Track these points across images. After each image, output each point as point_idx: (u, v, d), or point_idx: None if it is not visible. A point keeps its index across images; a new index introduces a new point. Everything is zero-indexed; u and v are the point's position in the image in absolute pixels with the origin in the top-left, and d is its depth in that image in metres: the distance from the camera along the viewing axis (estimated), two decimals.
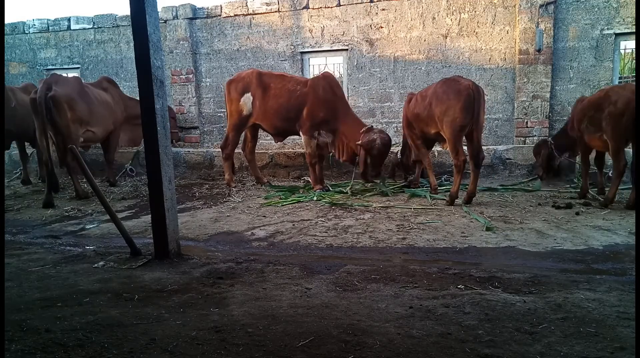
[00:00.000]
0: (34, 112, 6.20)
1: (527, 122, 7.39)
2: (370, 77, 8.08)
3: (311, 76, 8.53)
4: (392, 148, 7.37)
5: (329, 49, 8.23)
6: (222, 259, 3.57)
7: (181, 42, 8.76)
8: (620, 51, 7.19)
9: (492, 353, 2.00)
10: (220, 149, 7.35)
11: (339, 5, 8.00)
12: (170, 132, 3.95)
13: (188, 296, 2.76)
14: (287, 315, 2.45)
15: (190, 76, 8.85)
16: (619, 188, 5.26)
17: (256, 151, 7.46)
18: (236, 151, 7.18)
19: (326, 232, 4.48)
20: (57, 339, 2.19)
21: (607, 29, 7.00)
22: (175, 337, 2.21)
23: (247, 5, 8.44)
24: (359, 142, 6.05)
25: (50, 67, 9.69)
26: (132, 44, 4.19)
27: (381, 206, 5.43)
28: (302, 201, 5.89)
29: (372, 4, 7.85)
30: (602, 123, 4.91)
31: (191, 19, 8.74)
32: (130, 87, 8.91)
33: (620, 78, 7.24)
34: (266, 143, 8.36)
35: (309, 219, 4.99)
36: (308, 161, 6.59)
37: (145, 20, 3.35)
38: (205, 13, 8.74)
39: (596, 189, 5.70)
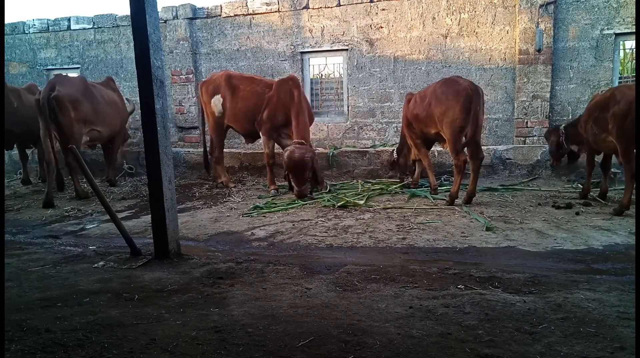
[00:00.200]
0: (38, 112, 6.23)
1: (527, 122, 7.39)
2: (370, 77, 8.08)
3: (311, 76, 8.55)
4: (387, 148, 7.38)
5: (329, 49, 8.23)
6: (222, 259, 3.57)
7: (181, 42, 8.76)
8: (620, 50, 7.18)
9: (492, 353, 2.00)
10: None
11: (339, 5, 8.00)
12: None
13: (188, 296, 2.76)
14: (287, 315, 2.45)
15: (190, 76, 8.84)
16: (615, 188, 5.25)
17: (255, 151, 7.48)
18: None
19: (326, 232, 4.48)
20: (57, 339, 2.19)
21: (607, 29, 7.00)
22: (175, 337, 2.21)
23: (247, 5, 8.43)
24: (284, 154, 5.90)
25: (50, 67, 9.69)
26: (132, 44, 4.19)
27: (381, 207, 5.43)
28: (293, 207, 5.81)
29: (372, 4, 7.85)
30: (608, 124, 4.76)
31: (191, 19, 8.74)
32: (130, 87, 8.91)
33: (620, 78, 7.23)
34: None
35: (309, 219, 4.99)
36: (265, 161, 6.68)
37: (145, 20, 3.35)
38: (205, 13, 8.73)
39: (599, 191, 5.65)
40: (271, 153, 6.58)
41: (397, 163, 6.77)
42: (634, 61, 7.28)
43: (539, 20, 7.08)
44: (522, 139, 7.43)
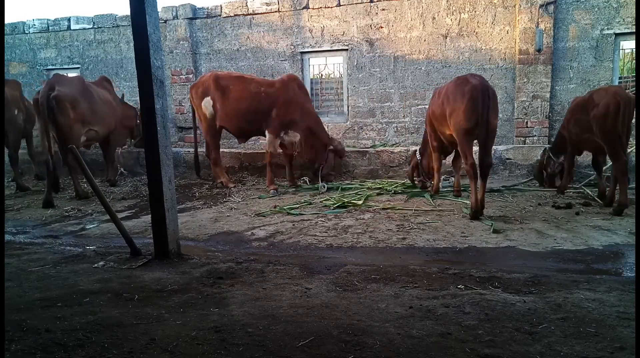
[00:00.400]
0: (36, 112, 6.22)
1: (527, 122, 7.39)
2: (370, 77, 8.08)
3: (311, 76, 8.55)
4: (393, 148, 7.39)
5: (329, 49, 8.23)
6: (222, 259, 3.57)
7: (181, 42, 8.76)
8: (620, 50, 7.18)
9: (492, 353, 2.00)
10: (220, 149, 7.34)
11: (339, 5, 8.00)
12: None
13: (188, 296, 2.76)
14: (287, 315, 2.45)
15: (190, 76, 8.84)
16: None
17: (256, 152, 7.48)
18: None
19: (326, 232, 4.48)
20: (57, 339, 2.19)
21: (607, 29, 7.00)
22: (175, 337, 2.21)
23: (247, 5, 8.43)
24: (331, 147, 6.68)
25: (50, 67, 9.69)
26: (132, 44, 4.19)
27: (381, 207, 5.43)
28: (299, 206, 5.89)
29: (372, 4, 7.85)
30: (591, 126, 4.91)
31: (191, 19, 8.74)
32: (130, 87, 8.91)
33: (620, 78, 7.24)
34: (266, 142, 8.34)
35: (309, 219, 4.99)
36: (267, 161, 6.66)
37: (145, 20, 3.35)
38: (205, 13, 8.73)
39: (597, 191, 5.65)
40: (275, 152, 6.60)
41: (421, 165, 6.30)
42: (634, 61, 7.28)
43: (539, 20, 7.09)
44: (522, 139, 7.43)
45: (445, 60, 7.67)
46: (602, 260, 3.52)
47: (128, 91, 8.64)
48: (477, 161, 4.76)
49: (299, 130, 6.57)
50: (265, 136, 6.70)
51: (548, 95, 7.27)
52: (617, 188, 4.87)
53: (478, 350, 2.03)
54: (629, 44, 7.18)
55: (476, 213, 4.72)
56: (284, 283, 2.97)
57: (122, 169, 8.35)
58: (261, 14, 8.41)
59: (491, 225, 4.41)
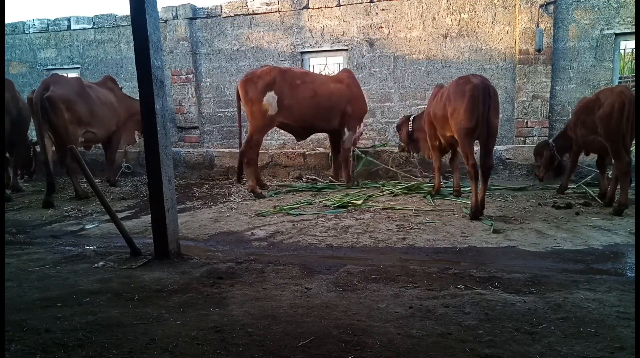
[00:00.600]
0: (31, 112, 6.20)
1: (527, 122, 7.39)
2: (370, 77, 8.08)
3: None
4: (393, 148, 7.38)
5: (329, 49, 8.23)
6: (222, 259, 3.57)
7: (181, 42, 8.76)
8: (620, 51, 7.19)
9: (492, 353, 2.00)
10: (218, 149, 7.34)
11: (339, 5, 8.00)
12: None
13: (188, 296, 2.76)
14: (287, 315, 2.45)
15: (190, 76, 8.85)
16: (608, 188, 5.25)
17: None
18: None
19: (326, 232, 4.48)
20: (57, 339, 2.19)
21: (607, 29, 7.00)
22: (175, 337, 2.21)
23: (247, 5, 8.44)
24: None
25: (50, 67, 9.70)
26: (132, 44, 4.19)
27: (381, 207, 5.43)
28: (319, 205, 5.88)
29: (372, 4, 7.85)
30: (597, 126, 4.89)
31: (191, 19, 8.74)
32: (130, 87, 8.91)
33: (620, 78, 7.24)
34: (266, 142, 8.36)
35: (309, 219, 4.99)
36: (345, 156, 6.71)
37: (145, 20, 3.35)
38: (205, 13, 8.74)
39: (598, 191, 5.64)
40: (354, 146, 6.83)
41: (413, 137, 6.40)
42: (634, 61, 7.28)
43: (539, 20, 7.09)
44: (522, 139, 7.44)
45: (445, 60, 7.68)
46: (602, 260, 3.52)
47: (128, 91, 8.63)
48: (478, 162, 4.72)
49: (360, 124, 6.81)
50: (328, 133, 6.87)
51: (548, 95, 7.28)
52: (618, 187, 4.88)
53: (478, 350, 2.03)
54: (629, 44, 7.18)
55: (476, 213, 4.72)
56: (284, 283, 2.97)
57: (126, 164, 8.31)
58: (261, 14, 8.41)
59: (491, 225, 4.41)
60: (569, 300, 2.54)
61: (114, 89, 7.46)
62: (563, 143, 5.86)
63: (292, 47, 8.35)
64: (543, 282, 2.87)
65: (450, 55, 7.65)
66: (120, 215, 4.84)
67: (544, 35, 7.10)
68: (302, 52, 8.37)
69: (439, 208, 5.29)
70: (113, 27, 9.26)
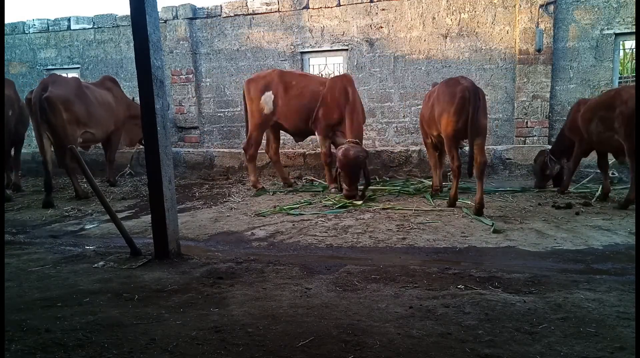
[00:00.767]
0: (30, 112, 6.20)
1: (527, 122, 7.39)
2: (370, 77, 8.08)
3: None
4: (393, 148, 7.37)
5: (329, 49, 8.23)
6: (222, 259, 3.57)
7: (181, 42, 8.76)
8: (620, 50, 7.19)
9: (492, 353, 2.00)
10: (218, 149, 7.35)
11: (339, 5, 8.00)
12: None
13: (188, 296, 2.76)
14: (287, 315, 2.45)
15: (190, 76, 8.85)
16: (614, 187, 5.24)
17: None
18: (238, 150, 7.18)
19: (326, 232, 4.48)
20: (57, 339, 2.19)
21: (607, 29, 7.00)
22: (175, 337, 2.21)
23: (247, 5, 8.44)
24: (338, 153, 5.83)
25: (50, 67, 9.69)
26: (132, 44, 4.19)
27: (381, 207, 5.43)
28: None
29: (372, 4, 7.85)
30: (614, 124, 4.82)
31: (191, 19, 8.74)
32: (130, 87, 8.91)
33: (620, 78, 7.24)
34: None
35: (309, 219, 4.99)
36: (323, 161, 6.62)
37: (145, 20, 3.35)
38: (205, 13, 8.73)
39: (599, 191, 5.62)
40: (328, 152, 6.48)
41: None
42: (634, 61, 7.28)
43: (539, 20, 7.09)
44: (522, 139, 7.43)
45: (445, 60, 7.68)
46: (602, 260, 3.52)
47: (128, 91, 8.63)
48: (469, 161, 4.82)
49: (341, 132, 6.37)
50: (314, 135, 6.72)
51: (548, 95, 7.28)
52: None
53: (478, 350, 2.03)
54: (629, 44, 7.18)
55: (451, 202, 5.22)
56: (284, 283, 2.97)
57: (130, 171, 8.32)
58: (261, 14, 8.41)
59: (491, 225, 4.41)
60: (569, 300, 2.54)
61: (112, 89, 7.44)
62: (561, 147, 5.80)
63: (292, 47, 8.35)
64: (543, 282, 2.86)
65: (450, 55, 7.65)
66: (120, 215, 4.84)
67: (544, 35, 7.10)
68: (302, 52, 8.37)
69: (439, 208, 5.29)
70: (113, 27, 9.26)
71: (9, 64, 9.81)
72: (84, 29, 9.40)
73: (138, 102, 3.70)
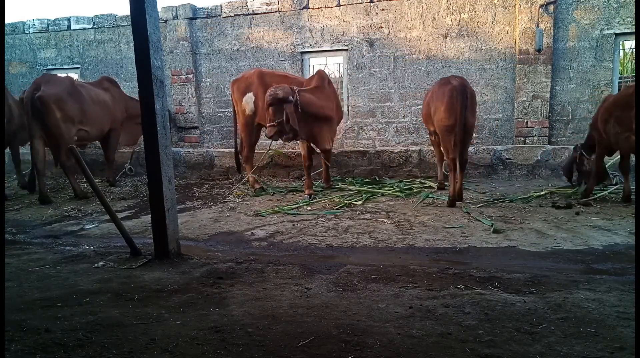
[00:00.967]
0: (24, 112, 6.22)
1: (527, 122, 7.39)
2: (370, 77, 8.07)
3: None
4: (393, 148, 7.38)
5: (329, 49, 8.23)
6: (222, 259, 3.57)
7: (181, 42, 8.76)
8: (620, 50, 7.18)
9: (492, 353, 2.00)
10: (218, 149, 7.33)
11: (339, 5, 7.99)
12: None
13: (188, 296, 2.76)
14: (287, 315, 2.45)
15: (190, 76, 8.84)
16: (615, 187, 5.23)
17: (256, 151, 7.44)
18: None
19: (326, 232, 4.48)
20: (57, 339, 2.19)
21: (607, 29, 7.00)
22: (175, 337, 2.21)
23: (247, 5, 8.43)
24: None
25: (50, 67, 9.69)
26: (132, 44, 4.19)
27: (381, 207, 5.43)
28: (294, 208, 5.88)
29: (372, 4, 7.85)
30: (632, 123, 4.60)
31: (191, 19, 8.74)
32: (130, 87, 8.91)
33: (620, 78, 7.23)
34: (266, 142, 8.34)
35: (308, 219, 4.99)
36: (304, 164, 6.39)
37: (145, 20, 3.35)
38: (205, 13, 8.73)
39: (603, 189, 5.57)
40: (308, 155, 6.26)
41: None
42: (634, 61, 7.28)
43: (539, 20, 7.08)
44: (522, 139, 7.43)
45: (445, 60, 7.67)
46: (602, 260, 3.52)
47: (128, 91, 8.63)
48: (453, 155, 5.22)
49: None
50: None
51: (548, 95, 7.27)
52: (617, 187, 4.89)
53: (478, 350, 2.03)
54: (629, 44, 7.18)
55: (453, 201, 5.29)
56: (284, 283, 2.97)
57: (129, 166, 8.32)
58: (261, 13, 8.40)
59: (491, 225, 4.41)
60: (569, 300, 2.54)
61: (110, 89, 7.44)
62: (591, 143, 5.57)
63: (292, 47, 8.35)
64: (543, 282, 2.87)
65: (450, 55, 7.64)
66: (120, 215, 4.84)
67: (544, 35, 7.09)
68: (302, 52, 8.36)
69: (440, 208, 5.29)
70: (113, 27, 9.25)
71: (9, 64, 9.81)
72: (84, 29, 9.40)
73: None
